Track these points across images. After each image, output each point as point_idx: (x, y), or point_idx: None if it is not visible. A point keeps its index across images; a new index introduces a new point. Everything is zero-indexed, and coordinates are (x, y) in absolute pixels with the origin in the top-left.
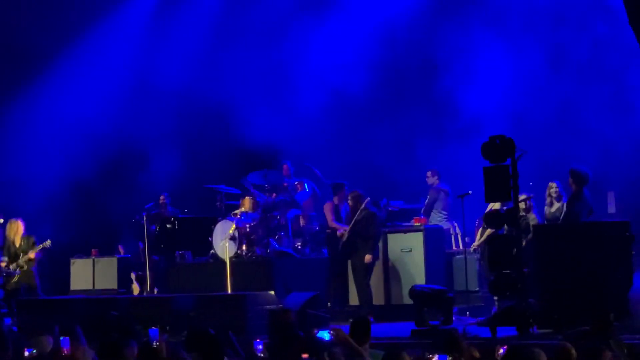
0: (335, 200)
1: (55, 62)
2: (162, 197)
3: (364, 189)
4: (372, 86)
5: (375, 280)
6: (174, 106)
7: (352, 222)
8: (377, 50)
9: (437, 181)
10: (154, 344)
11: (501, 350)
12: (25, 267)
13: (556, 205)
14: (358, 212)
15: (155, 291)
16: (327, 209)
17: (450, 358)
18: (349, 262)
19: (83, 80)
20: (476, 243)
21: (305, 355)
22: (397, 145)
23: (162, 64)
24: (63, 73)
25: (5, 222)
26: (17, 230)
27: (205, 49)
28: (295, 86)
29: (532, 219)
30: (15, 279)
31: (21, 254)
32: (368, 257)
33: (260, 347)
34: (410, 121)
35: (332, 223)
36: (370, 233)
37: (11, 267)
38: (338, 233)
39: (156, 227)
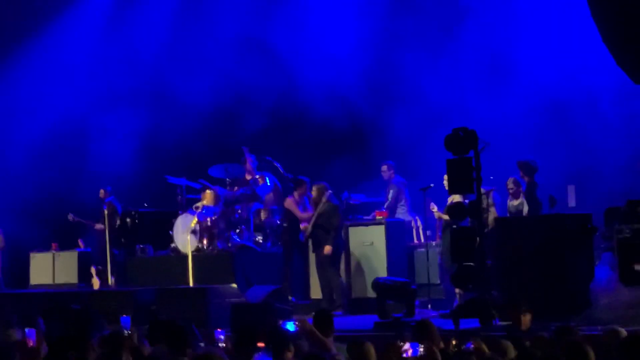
0: (296, 195)
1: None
2: (102, 192)
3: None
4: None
5: None
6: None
7: (315, 214)
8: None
9: (393, 175)
10: (126, 332)
11: (454, 342)
12: None
13: (518, 199)
14: (320, 205)
15: (112, 282)
16: (291, 203)
17: (422, 346)
18: (313, 255)
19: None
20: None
21: (261, 344)
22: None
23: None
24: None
25: None
26: None
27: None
28: None
29: (493, 212)
30: None
31: None
32: (328, 249)
33: (222, 337)
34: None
35: (302, 216)
36: (332, 225)
37: None
38: (301, 227)
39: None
